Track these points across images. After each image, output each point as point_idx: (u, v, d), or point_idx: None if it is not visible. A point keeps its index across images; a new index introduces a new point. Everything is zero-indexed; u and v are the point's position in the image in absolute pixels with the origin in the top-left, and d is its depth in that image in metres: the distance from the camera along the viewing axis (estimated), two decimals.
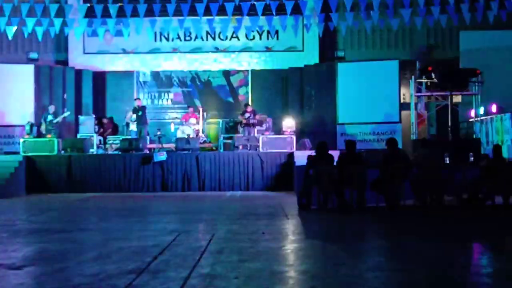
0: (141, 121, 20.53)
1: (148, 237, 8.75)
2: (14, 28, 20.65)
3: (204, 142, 21.31)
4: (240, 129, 20.96)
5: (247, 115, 20.70)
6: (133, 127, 21.13)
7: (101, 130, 21.73)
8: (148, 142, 21.00)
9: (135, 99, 21.73)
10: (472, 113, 19.94)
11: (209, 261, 6.79)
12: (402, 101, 20.96)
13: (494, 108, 19.35)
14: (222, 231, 9.48)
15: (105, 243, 8.29)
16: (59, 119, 20.63)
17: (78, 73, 23.48)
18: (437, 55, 23.21)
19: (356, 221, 11.31)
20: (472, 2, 19.85)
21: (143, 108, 20.75)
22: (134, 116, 20.78)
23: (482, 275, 6.31)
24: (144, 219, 11.69)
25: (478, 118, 19.76)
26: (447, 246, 8.08)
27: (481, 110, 19.59)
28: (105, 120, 22.28)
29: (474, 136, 19.29)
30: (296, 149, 18.95)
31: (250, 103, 22.14)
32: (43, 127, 20.32)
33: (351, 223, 11.04)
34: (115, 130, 22.51)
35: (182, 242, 8.23)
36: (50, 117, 20.42)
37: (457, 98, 20.74)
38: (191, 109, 22.13)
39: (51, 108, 20.74)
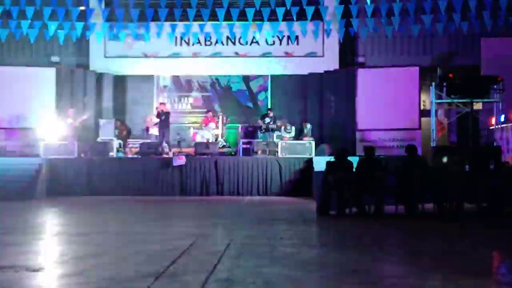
0: (164, 125, 20.58)
1: (166, 241, 8.76)
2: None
3: (223, 146, 21.30)
4: (260, 134, 20.93)
5: (267, 119, 20.69)
6: (153, 131, 21.18)
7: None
8: (169, 146, 21.07)
9: (160, 104, 21.72)
10: (493, 120, 19.80)
11: (227, 265, 6.78)
12: (422, 107, 20.85)
13: (502, 118, 19.21)
14: (240, 235, 9.47)
15: (123, 246, 8.32)
16: (79, 122, 20.73)
17: (99, 76, 23.60)
18: (458, 62, 23.05)
19: (374, 227, 11.26)
20: (493, 9, 19.73)
21: (167, 114, 20.80)
22: (156, 119, 20.88)
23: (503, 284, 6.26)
24: (163, 223, 11.71)
25: (499, 126, 19.61)
26: (466, 254, 8.02)
27: (502, 118, 19.45)
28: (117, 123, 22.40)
29: (494, 144, 19.15)
30: (315, 155, 18.90)
31: (255, 107, 22.04)
32: (65, 130, 20.41)
33: (370, 229, 10.98)
34: (128, 134, 22.63)
35: (200, 246, 8.23)
36: (70, 120, 20.52)
37: (478, 105, 20.61)
38: (210, 114, 22.13)
39: (72, 112, 20.85)
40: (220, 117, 22.06)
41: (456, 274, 6.44)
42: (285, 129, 20.67)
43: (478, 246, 8.86)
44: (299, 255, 7.68)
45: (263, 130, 20.77)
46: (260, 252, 7.77)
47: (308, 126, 20.76)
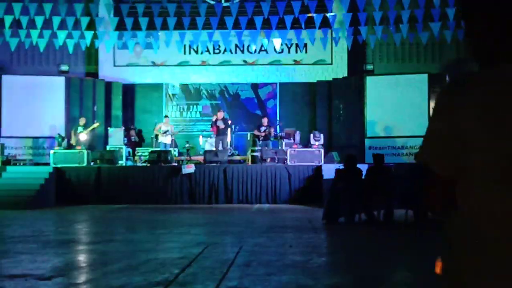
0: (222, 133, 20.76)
1: (176, 249, 8.78)
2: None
3: (232, 154, 21.32)
4: (258, 143, 20.90)
5: (263, 128, 20.70)
6: (162, 139, 21.25)
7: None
8: (177, 154, 21.15)
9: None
10: None
11: (236, 274, 6.79)
12: (431, 115, 20.84)
13: None
14: (250, 243, 9.48)
15: (133, 255, 8.34)
16: (90, 129, 20.80)
17: (108, 85, 23.67)
18: (467, 68, 23.04)
19: (383, 234, 11.24)
20: None
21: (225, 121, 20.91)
22: (164, 128, 21.00)
23: None
24: (172, 231, 11.73)
25: None
26: None
27: None
28: (132, 132, 22.51)
29: None
30: (324, 163, 18.89)
31: (266, 116, 22.03)
32: (75, 139, 20.51)
33: (379, 236, 10.97)
34: (140, 141, 22.78)
35: (210, 255, 8.25)
36: (80, 129, 20.60)
37: None
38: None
39: (82, 120, 20.93)
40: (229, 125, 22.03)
41: None
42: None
43: None
44: (308, 263, 7.68)
45: (261, 139, 20.76)
46: (270, 260, 7.78)
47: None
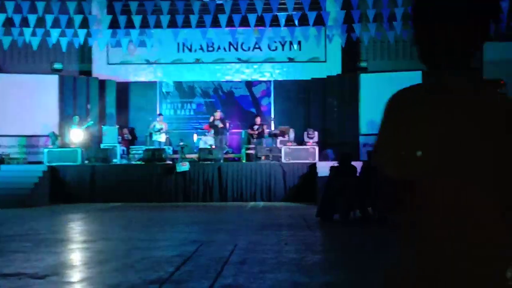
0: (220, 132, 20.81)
1: (170, 247, 8.77)
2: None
3: (227, 152, 21.31)
4: (253, 141, 20.92)
5: (256, 127, 20.71)
6: (156, 137, 21.22)
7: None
8: (171, 152, 21.14)
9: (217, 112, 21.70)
10: None
11: (231, 271, 6.78)
12: None
13: None
14: (244, 241, 9.47)
15: (128, 253, 8.32)
16: (83, 129, 20.76)
17: (102, 83, 23.63)
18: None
19: (378, 232, 11.25)
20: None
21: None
22: (158, 126, 21.00)
23: None
24: (167, 229, 11.72)
25: None
26: None
27: None
28: (125, 130, 22.49)
29: None
30: (319, 160, 18.90)
31: (259, 115, 22.05)
32: (72, 136, 20.46)
33: (374, 234, 10.98)
34: (133, 140, 22.79)
35: (204, 253, 8.24)
36: (74, 127, 20.56)
37: None
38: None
39: (76, 119, 20.89)
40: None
41: None
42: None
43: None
44: (303, 261, 7.68)
45: (256, 137, 20.78)
46: (264, 258, 7.77)
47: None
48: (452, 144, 1.85)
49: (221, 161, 19.29)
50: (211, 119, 20.88)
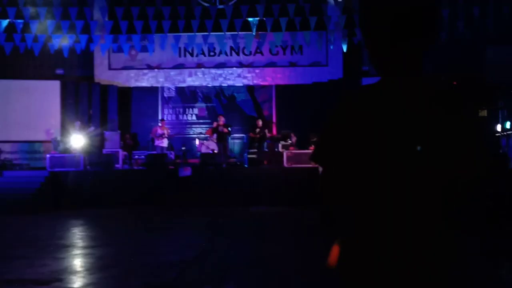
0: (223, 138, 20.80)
1: (173, 253, 8.76)
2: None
3: (229, 157, 21.32)
4: (255, 145, 20.92)
5: (257, 130, 20.73)
6: (158, 142, 21.22)
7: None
8: (173, 157, 21.15)
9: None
10: (499, 127, 19.79)
11: (234, 277, 6.78)
12: None
13: (507, 124, 19.19)
14: (247, 246, 9.47)
15: (130, 258, 8.32)
16: (85, 134, 20.76)
17: (104, 89, 23.66)
18: (462, 69, 23.04)
19: None
20: (497, 16, 19.75)
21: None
22: (160, 131, 21.00)
23: None
24: (169, 234, 11.71)
25: (505, 133, 19.60)
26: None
27: (508, 125, 19.43)
28: (127, 136, 22.51)
29: (500, 151, 19.12)
30: None
31: (260, 118, 22.07)
32: (69, 143, 20.46)
33: None
34: (135, 145, 22.79)
35: (207, 258, 8.23)
36: (77, 133, 20.56)
37: (483, 113, 20.58)
38: (222, 119, 22.11)
39: (77, 124, 20.90)
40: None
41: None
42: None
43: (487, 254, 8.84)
44: (306, 265, 7.67)
45: (257, 141, 20.80)
46: (267, 263, 7.77)
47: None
48: (397, 143, 1.93)
49: (223, 166, 19.29)
50: (215, 124, 20.88)
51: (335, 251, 2.20)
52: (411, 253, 1.91)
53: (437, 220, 1.95)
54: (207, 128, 22.76)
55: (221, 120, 20.75)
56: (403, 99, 1.97)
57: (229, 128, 20.92)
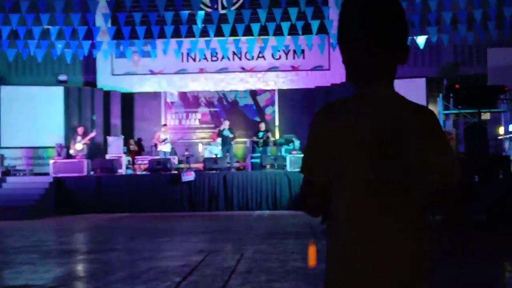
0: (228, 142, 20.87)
1: (177, 257, 8.78)
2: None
3: (233, 161, 21.32)
4: (258, 149, 20.93)
5: (260, 133, 20.76)
6: (161, 147, 21.24)
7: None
8: (176, 162, 21.19)
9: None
10: (501, 130, 19.76)
11: (238, 281, 6.79)
12: None
13: (510, 127, 19.17)
14: (251, 250, 9.48)
15: (134, 263, 8.34)
16: (87, 140, 20.78)
17: (107, 94, 23.71)
18: (465, 72, 23.03)
19: None
20: (499, 19, 19.76)
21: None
22: (163, 136, 21.05)
23: None
24: (173, 239, 11.73)
25: (507, 135, 19.58)
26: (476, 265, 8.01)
27: (510, 127, 19.41)
28: (131, 141, 22.55)
29: (503, 154, 19.09)
30: None
31: (263, 122, 22.12)
32: (74, 149, 20.47)
33: None
34: (140, 151, 22.80)
35: (211, 262, 8.25)
36: (79, 138, 20.58)
37: (486, 116, 20.56)
38: (218, 129, 22.16)
39: (80, 130, 20.91)
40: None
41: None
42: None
43: (489, 257, 8.84)
44: (310, 270, 7.68)
45: (261, 145, 20.83)
46: (271, 267, 7.78)
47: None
48: (373, 152, 2.00)
49: (227, 170, 19.31)
50: (221, 127, 20.92)
51: (311, 252, 2.30)
52: (389, 265, 1.98)
53: (414, 231, 2.02)
54: (210, 133, 22.79)
55: (226, 124, 20.79)
56: (379, 109, 2.06)
57: (234, 133, 20.96)
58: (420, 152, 2.00)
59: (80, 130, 20.87)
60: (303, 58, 23.97)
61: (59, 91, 22.40)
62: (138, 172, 20.71)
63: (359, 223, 2.00)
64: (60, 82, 22.81)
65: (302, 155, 2.18)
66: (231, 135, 20.58)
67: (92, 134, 21.16)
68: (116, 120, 23.78)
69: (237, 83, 24.33)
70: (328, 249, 2.12)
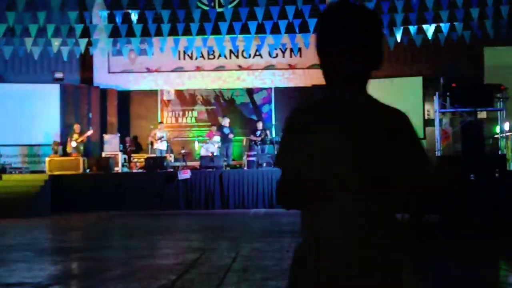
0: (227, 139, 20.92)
1: (172, 255, 8.77)
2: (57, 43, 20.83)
3: (230, 159, 21.32)
4: (255, 147, 20.94)
5: (258, 132, 20.76)
6: (157, 145, 21.21)
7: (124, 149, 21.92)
8: (172, 160, 21.18)
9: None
10: (498, 129, 19.76)
11: (233, 279, 6.78)
12: (426, 117, 20.83)
13: (506, 125, 19.17)
14: (247, 249, 9.47)
15: (130, 261, 8.32)
16: (83, 138, 20.75)
17: (103, 92, 23.65)
18: (461, 71, 23.00)
19: None
20: (495, 18, 19.75)
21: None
22: (159, 134, 21.03)
23: None
24: (169, 237, 11.71)
25: (504, 134, 19.57)
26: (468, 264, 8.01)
27: (507, 126, 19.40)
28: (127, 139, 22.50)
29: (499, 153, 19.09)
30: None
31: (260, 120, 22.13)
32: (69, 147, 20.43)
33: None
34: (137, 150, 22.74)
35: (207, 260, 8.24)
36: (75, 136, 20.54)
37: (482, 114, 20.55)
38: (214, 127, 22.16)
39: (77, 128, 20.86)
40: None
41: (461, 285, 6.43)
42: None
43: (482, 256, 8.84)
44: None
45: (259, 143, 20.83)
46: (267, 266, 7.77)
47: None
48: (341, 154, 2.07)
49: (223, 168, 19.29)
50: (222, 123, 20.93)
51: None
52: (355, 265, 2.02)
53: (381, 231, 2.07)
54: (207, 131, 22.77)
55: (226, 121, 20.80)
56: (349, 112, 2.13)
57: (234, 131, 20.97)
58: (391, 154, 2.06)
59: (76, 127, 20.83)
60: (300, 56, 23.94)
61: (55, 88, 22.34)
62: (134, 170, 20.69)
63: (327, 225, 2.08)
64: (56, 80, 22.75)
65: (277, 152, 2.28)
66: (231, 135, 20.59)
67: (89, 132, 21.11)
68: (112, 118, 23.74)
69: (234, 81, 24.28)
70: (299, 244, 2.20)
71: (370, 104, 2.19)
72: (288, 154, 2.19)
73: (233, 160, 22.06)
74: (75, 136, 20.53)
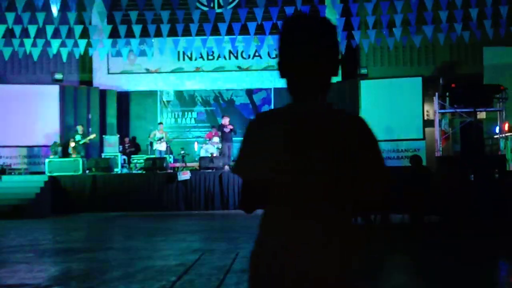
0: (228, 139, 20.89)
1: (173, 256, 8.77)
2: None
3: (231, 159, 21.31)
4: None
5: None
6: (156, 146, 21.21)
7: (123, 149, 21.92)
8: (172, 161, 21.18)
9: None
10: (497, 129, 19.76)
11: (233, 280, 6.79)
12: (426, 118, 20.80)
13: (506, 126, 19.19)
14: (246, 249, 9.46)
15: (130, 262, 8.33)
16: (86, 140, 20.74)
17: (102, 93, 23.63)
18: (461, 71, 23.04)
19: (380, 238, 11.24)
20: (495, 18, 19.77)
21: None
22: (159, 135, 21.03)
23: None
24: (168, 238, 11.72)
25: (503, 135, 19.58)
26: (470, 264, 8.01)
27: (506, 127, 19.41)
28: (126, 140, 22.50)
29: (499, 153, 19.10)
30: None
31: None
32: (71, 147, 20.40)
33: (375, 241, 10.97)
34: (137, 151, 22.73)
35: (207, 261, 8.24)
36: (78, 137, 20.53)
37: (482, 115, 20.56)
38: (214, 128, 22.15)
39: (80, 129, 20.85)
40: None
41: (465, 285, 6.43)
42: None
43: (484, 256, 8.84)
44: None
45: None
46: None
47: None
48: (298, 161, 2.14)
49: (223, 169, 19.29)
50: (222, 121, 20.91)
51: None
52: (316, 267, 2.08)
53: (340, 235, 2.14)
54: (206, 132, 22.77)
55: (227, 120, 20.78)
56: (308, 119, 2.19)
57: (235, 130, 20.92)
58: (349, 158, 2.13)
59: (80, 129, 20.82)
60: None
61: (54, 89, 22.31)
62: (134, 171, 20.69)
63: (284, 229, 2.18)
64: (55, 81, 22.72)
65: (237, 159, 2.33)
66: (233, 133, 20.58)
67: (92, 136, 21.09)
68: (112, 119, 23.72)
69: (233, 82, 24.29)
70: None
71: (330, 113, 2.23)
72: (248, 161, 2.26)
73: (233, 160, 22.05)
74: (78, 137, 20.50)
